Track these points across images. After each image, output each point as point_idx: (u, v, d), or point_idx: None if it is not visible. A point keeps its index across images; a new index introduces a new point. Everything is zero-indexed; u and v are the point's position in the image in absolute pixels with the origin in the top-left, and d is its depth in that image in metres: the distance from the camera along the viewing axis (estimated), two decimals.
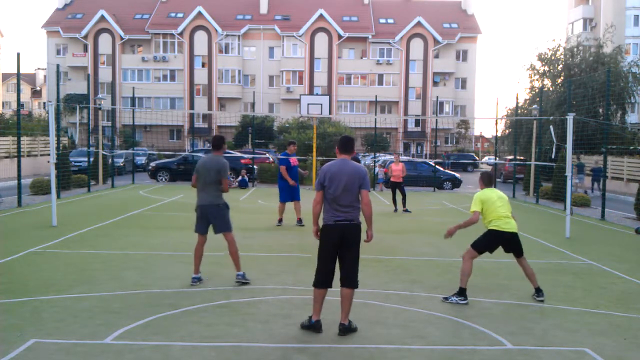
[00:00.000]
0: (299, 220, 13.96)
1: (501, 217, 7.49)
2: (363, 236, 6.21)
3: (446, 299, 7.42)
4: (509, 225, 7.51)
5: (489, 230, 7.56)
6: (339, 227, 6.01)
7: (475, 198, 7.62)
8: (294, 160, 14.20)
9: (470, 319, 6.67)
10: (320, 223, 6.22)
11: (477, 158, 54.68)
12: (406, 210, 17.74)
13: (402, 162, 19.37)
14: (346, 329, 6.02)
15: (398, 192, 18.18)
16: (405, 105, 64.14)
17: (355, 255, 6.09)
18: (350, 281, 6.05)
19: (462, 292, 7.37)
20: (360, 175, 6.08)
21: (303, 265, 9.08)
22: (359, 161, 12.84)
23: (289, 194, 14.01)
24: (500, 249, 7.74)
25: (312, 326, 6.07)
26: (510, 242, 7.60)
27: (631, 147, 31.91)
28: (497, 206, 7.51)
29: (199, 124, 62.22)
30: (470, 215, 7.57)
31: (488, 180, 7.81)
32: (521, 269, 7.81)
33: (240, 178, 26.05)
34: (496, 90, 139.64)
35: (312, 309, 6.15)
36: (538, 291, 7.66)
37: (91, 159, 24.41)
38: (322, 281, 6.09)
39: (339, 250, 6.08)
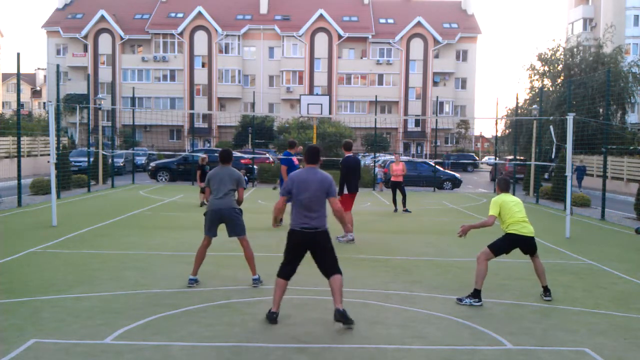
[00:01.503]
0: None
1: (519, 221, 7.62)
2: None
3: (460, 300, 7.38)
4: (527, 229, 7.64)
5: (508, 234, 7.66)
6: (307, 235, 6.33)
7: (493, 202, 7.74)
8: (295, 159, 14.22)
9: (470, 319, 6.67)
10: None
11: (477, 158, 54.69)
12: (406, 210, 17.74)
13: (402, 161, 19.34)
14: (342, 314, 6.12)
15: (398, 192, 18.18)
16: (405, 105, 64.13)
17: (330, 251, 6.38)
18: (334, 270, 6.33)
19: (476, 294, 7.36)
20: (327, 183, 6.38)
21: (302, 266, 9.04)
22: (359, 161, 12.76)
23: None
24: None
25: (269, 316, 6.34)
26: (528, 245, 7.70)
27: (631, 147, 31.92)
28: (514, 211, 7.64)
29: (199, 124, 62.20)
30: (486, 218, 7.69)
31: (505, 186, 7.94)
32: (533, 266, 7.90)
33: None
34: (496, 90, 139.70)
35: (273, 300, 6.45)
36: (546, 290, 7.73)
37: (91, 159, 24.41)
38: (286, 273, 6.47)
39: (313, 254, 6.40)
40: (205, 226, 8.06)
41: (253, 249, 9.17)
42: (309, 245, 6.35)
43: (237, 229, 8.03)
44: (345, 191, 12.13)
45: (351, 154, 12.45)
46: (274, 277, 8.44)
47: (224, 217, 7.98)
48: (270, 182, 27.23)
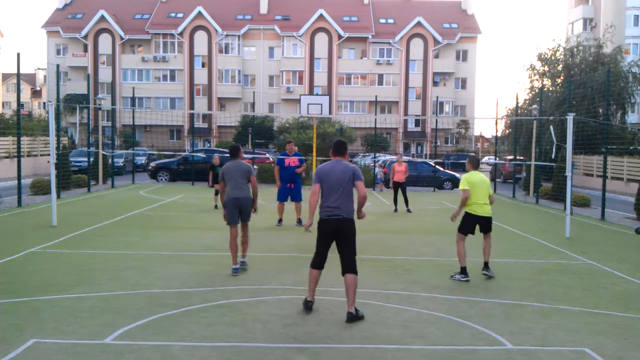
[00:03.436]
0: (299, 221, 13.97)
1: (477, 202, 8.72)
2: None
3: (452, 276, 8.64)
4: (483, 209, 8.75)
5: (466, 213, 8.83)
6: (333, 222, 6.63)
7: (463, 179, 8.83)
8: (292, 160, 14.13)
9: (470, 319, 6.67)
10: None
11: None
12: (408, 211, 17.74)
13: (404, 162, 19.20)
14: (353, 317, 6.39)
15: (400, 192, 18.14)
16: (405, 105, 64.11)
17: (352, 245, 6.67)
18: (350, 267, 6.58)
19: (463, 271, 8.58)
20: (351, 170, 6.73)
21: (303, 265, 9.05)
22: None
23: (286, 194, 14.00)
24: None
25: (306, 304, 6.76)
26: (486, 224, 8.86)
27: (631, 147, 31.91)
28: (477, 190, 8.71)
29: (199, 124, 62.20)
30: (461, 195, 8.83)
31: (477, 164, 9.08)
32: (483, 243, 9.01)
33: None
34: (496, 90, 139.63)
35: (308, 289, 6.82)
36: (486, 266, 8.86)
37: (91, 159, 24.41)
38: (318, 263, 6.76)
39: (337, 243, 6.70)
40: (228, 217, 8.77)
41: (254, 249, 9.28)
42: (336, 232, 6.64)
43: (247, 216, 8.95)
44: None
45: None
46: (275, 276, 8.51)
47: (242, 206, 8.80)
48: (270, 182, 27.21)
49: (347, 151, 6.99)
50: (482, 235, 8.94)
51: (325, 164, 6.86)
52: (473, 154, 9.21)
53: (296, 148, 14.64)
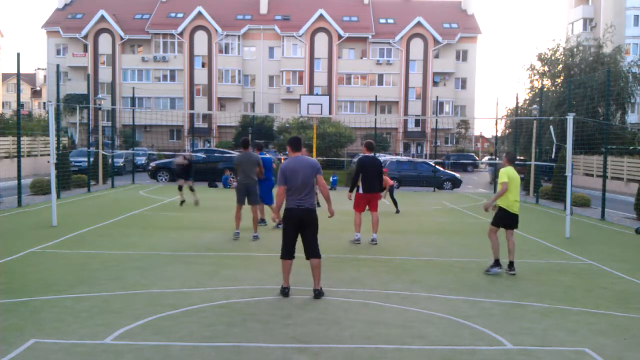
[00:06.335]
0: (263, 220, 13.62)
1: (513, 199, 9.05)
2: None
3: (487, 271, 8.99)
4: (515, 208, 9.11)
5: (500, 208, 9.14)
6: (300, 211, 7.39)
7: (502, 172, 9.08)
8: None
9: (470, 319, 6.67)
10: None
11: (477, 158, 54.68)
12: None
13: (387, 176, 19.08)
14: (320, 293, 7.33)
15: (395, 192, 18.28)
16: (405, 105, 64.09)
17: (314, 232, 7.47)
18: (314, 253, 7.42)
19: (496, 263, 9.00)
20: (315, 166, 7.49)
21: (302, 266, 9.05)
22: (374, 162, 11.90)
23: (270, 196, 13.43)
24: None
25: (282, 291, 7.38)
26: (513, 221, 9.20)
27: (631, 147, 31.92)
28: (513, 187, 9.01)
29: (199, 124, 62.15)
30: (500, 187, 9.06)
31: (513, 159, 9.36)
32: (506, 241, 9.25)
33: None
34: (496, 90, 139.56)
35: (282, 278, 7.50)
36: (510, 265, 9.06)
37: (91, 159, 24.40)
38: (287, 254, 7.45)
39: (301, 230, 7.42)
40: (237, 196, 11.76)
41: (253, 249, 9.38)
42: (302, 221, 7.37)
43: (254, 199, 11.85)
44: (361, 191, 11.83)
45: (370, 154, 11.88)
46: (275, 276, 8.52)
47: (248, 188, 11.67)
48: None
49: (303, 145, 7.84)
50: (505, 231, 9.19)
51: (288, 162, 7.46)
52: (510, 151, 9.60)
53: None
